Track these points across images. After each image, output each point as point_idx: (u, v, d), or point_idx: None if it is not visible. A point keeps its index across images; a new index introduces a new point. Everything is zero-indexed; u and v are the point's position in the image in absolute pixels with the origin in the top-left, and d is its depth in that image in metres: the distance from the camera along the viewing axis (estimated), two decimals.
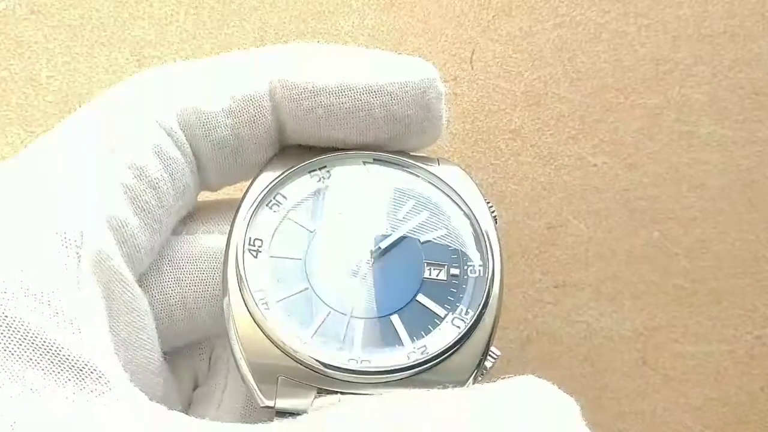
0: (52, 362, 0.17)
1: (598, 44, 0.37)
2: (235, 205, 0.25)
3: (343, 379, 0.21)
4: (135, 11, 0.36)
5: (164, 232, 0.23)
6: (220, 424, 0.18)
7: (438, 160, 0.25)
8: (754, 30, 0.37)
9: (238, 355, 0.21)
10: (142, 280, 0.23)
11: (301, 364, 0.21)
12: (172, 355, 0.25)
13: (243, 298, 0.21)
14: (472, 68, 0.36)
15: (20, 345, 0.17)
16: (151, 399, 0.20)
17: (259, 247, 0.23)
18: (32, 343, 0.17)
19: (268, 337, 0.21)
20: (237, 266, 0.22)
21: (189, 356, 0.26)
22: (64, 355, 0.18)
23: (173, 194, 0.22)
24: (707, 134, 0.37)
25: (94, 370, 0.18)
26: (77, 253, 0.19)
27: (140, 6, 0.36)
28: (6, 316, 0.17)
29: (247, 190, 0.23)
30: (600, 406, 0.36)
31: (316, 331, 0.22)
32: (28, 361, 0.17)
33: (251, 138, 0.23)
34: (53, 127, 0.22)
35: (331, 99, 0.23)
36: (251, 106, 0.23)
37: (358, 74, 0.23)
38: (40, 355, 0.17)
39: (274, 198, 0.23)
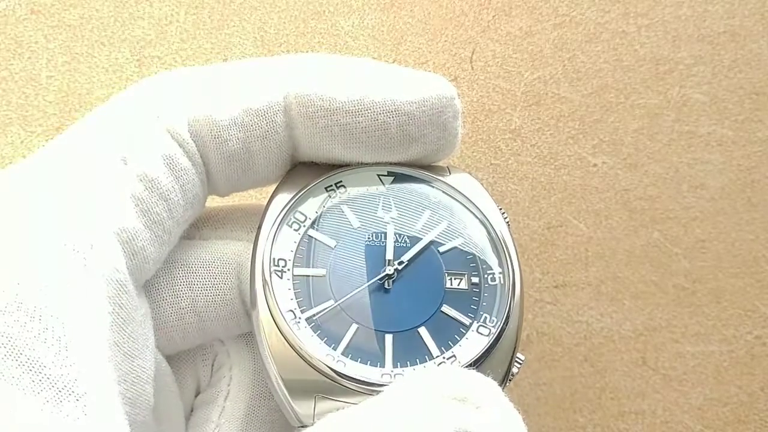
0: (33, 381, 0.17)
1: (598, 44, 0.37)
2: (248, 212, 0.25)
3: (378, 392, 0.20)
4: (135, 11, 0.36)
5: (173, 242, 0.23)
6: None
7: (449, 169, 0.25)
8: (754, 30, 0.37)
9: (274, 375, 0.21)
10: (152, 284, 0.23)
11: (337, 383, 0.21)
12: (175, 360, 0.25)
13: (274, 320, 0.22)
14: (472, 68, 0.36)
15: (4, 362, 0.17)
16: (144, 407, 0.20)
17: (283, 267, 0.23)
18: (17, 359, 0.17)
19: (302, 357, 0.21)
20: (265, 288, 0.22)
21: (192, 362, 0.26)
22: (45, 374, 0.17)
23: (183, 205, 0.22)
24: (707, 134, 0.37)
25: (74, 392, 0.18)
26: (84, 266, 0.19)
27: (140, 6, 0.36)
28: None
29: (266, 210, 0.24)
30: (600, 406, 0.36)
31: (347, 347, 0.22)
32: (10, 378, 0.17)
33: (262, 152, 0.23)
34: (55, 127, 0.22)
35: (347, 118, 0.23)
36: (264, 121, 0.23)
37: (375, 92, 0.23)
38: (23, 372, 0.17)
39: (293, 216, 0.24)
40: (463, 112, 0.36)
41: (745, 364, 0.36)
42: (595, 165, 0.36)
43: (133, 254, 0.21)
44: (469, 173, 0.25)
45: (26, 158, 0.21)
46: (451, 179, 0.25)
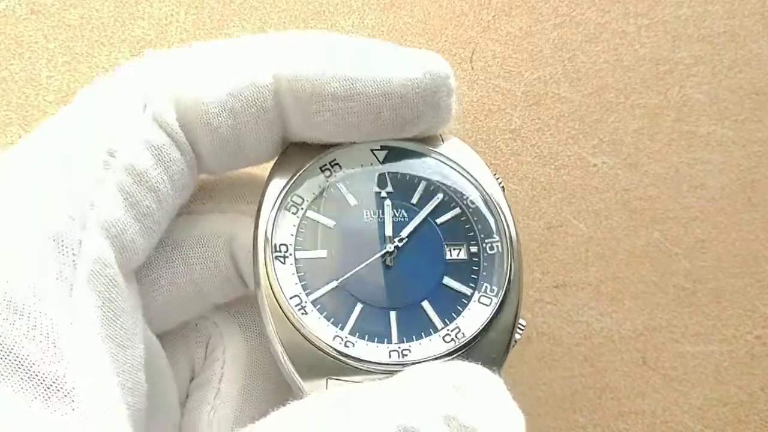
0: (22, 378, 0.17)
1: (598, 44, 0.37)
2: (234, 183, 0.25)
3: (387, 371, 0.22)
4: (135, 11, 0.36)
5: (163, 229, 0.23)
6: None
7: (441, 137, 0.25)
8: (754, 30, 0.37)
9: (285, 361, 0.22)
10: (146, 263, 0.23)
11: (347, 365, 0.22)
12: (169, 342, 0.25)
13: (281, 308, 0.22)
14: (472, 68, 0.36)
15: None
16: (141, 395, 0.20)
17: (285, 252, 0.23)
18: (5, 357, 0.17)
19: (311, 342, 0.22)
20: (269, 276, 0.22)
21: (185, 344, 0.26)
22: (34, 372, 0.17)
23: (173, 194, 0.22)
24: (707, 134, 0.37)
25: (62, 388, 0.18)
26: (73, 261, 0.19)
27: (140, 6, 0.36)
28: None
29: (262, 195, 0.23)
30: (600, 406, 0.36)
31: (353, 326, 0.22)
32: None
33: (253, 136, 0.23)
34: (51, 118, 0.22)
35: (339, 104, 0.22)
36: (254, 106, 0.22)
37: (367, 74, 0.22)
38: (12, 370, 0.17)
39: (291, 200, 0.24)
40: (463, 112, 0.36)
41: (745, 364, 0.36)
42: (595, 165, 0.36)
43: (122, 248, 0.21)
44: (459, 138, 0.25)
45: (10, 149, 0.20)
46: (444, 147, 0.25)
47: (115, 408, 0.19)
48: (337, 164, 0.24)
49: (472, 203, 0.24)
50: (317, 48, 0.23)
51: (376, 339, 0.22)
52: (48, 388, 0.18)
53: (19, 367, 0.17)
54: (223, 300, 0.26)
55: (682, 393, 0.36)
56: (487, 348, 0.23)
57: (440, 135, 0.25)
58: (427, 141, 0.25)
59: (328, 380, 0.22)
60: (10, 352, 0.17)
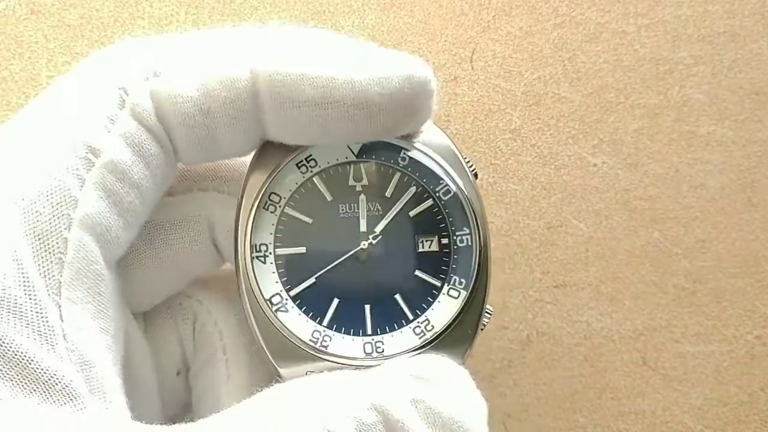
0: (20, 374, 0.18)
1: (598, 44, 0.37)
2: (207, 166, 0.26)
3: (362, 366, 0.23)
4: (135, 11, 0.36)
5: (144, 219, 0.23)
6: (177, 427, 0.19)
7: None
8: (754, 30, 0.37)
9: (268, 357, 0.23)
10: (130, 247, 0.23)
11: (324, 361, 0.23)
12: (155, 322, 0.26)
13: (261, 309, 0.23)
14: (472, 68, 0.36)
15: None
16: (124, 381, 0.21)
17: (265, 251, 0.24)
18: (4, 355, 0.18)
19: (290, 341, 0.23)
20: (248, 278, 0.23)
21: (172, 321, 0.27)
22: (32, 368, 0.18)
23: (154, 188, 0.22)
24: (707, 134, 0.37)
25: (60, 381, 0.18)
26: (60, 259, 0.19)
27: (140, 6, 0.36)
28: None
29: (241, 195, 0.24)
30: (600, 406, 0.36)
31: (331, 320, 0.24)
32: None
33: (228, 134, 0.23)
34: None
35: (317, 111, 0.22)
36: (231, 107, 0.22)
37: (345, 82, 0.22)
38: (10, 366, 0.18)
39: (268, 198, 0.24)
40: (463, 112, 0.36)
41: (745, 364, 0.36)
42: (595, 165, 0.36)
43: (106, 243, 0.21)
44: (434, 124, 0.25)
45: None
46: (418, 136, 0.25)
47: (116, 398, 0.20)
48: (313, 159, 0.25)
49: (445, 195, 0.25)
50: (296, 47, 0.23)
51: (351, 332, 0.24)
52: (47, 382, 0.18)
53: (17, 364, 0.18)
54: (205, 273, 0.26)
55: (682, 393, 0.36)
56: (456, 336, 0.24)
57: None
58: None
59: (308, 375, 0.23)
60: (8, 349, 0.18)
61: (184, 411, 0.27)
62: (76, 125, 0.21)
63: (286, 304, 0.24)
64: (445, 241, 0.25)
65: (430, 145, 0.25)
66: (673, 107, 0.37)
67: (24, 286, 0.18)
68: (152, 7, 0.37)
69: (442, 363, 0.22)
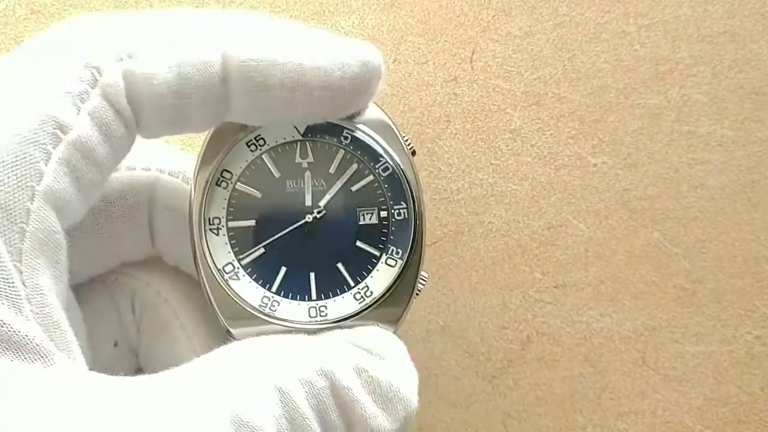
0: None
1: (598, 44, 0.37)
2: (154, 142, 0.27)
3: (307, 328, 0.26)
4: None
5: (98, 196, 0.24)
6: (140, 378, 0.21)
7: None
8: (754, 30, 0.37)
9: (221, 320, 0.26)
10: None
11: (273, 324, 0.26)
12: (91, 292, 0.28)
13: (215, 276, 0.26)
14: (472, 68, 0.36)
15: None
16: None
17: (218, 224, 0.26)
18: None
19: (241, 305, 0.26)
20: (202, 249, 0.26)
21: (108, 295, 0.28)
22: (3, 330, 0.19)
23: (113, 165, 0.23)
24: (707, 134, 0.37)
25: (31, 341, 0.19)
26: (22, 229, 0.20)
27: (140, 6, 0.36)
28: None
29: (196, 174, 0.26)
30: (600, 406, 0.36)
31: (278, 286, 0.26)
32: None
33: (195, 115, 0.24)
34: None
35: (284, 93, 0.24)
36: (202, 90, 0.23)
37: (312, 67, 0.24)
38: None
39: (221, 175, 0.26)
40: (463, 112, 0.36)
41: (745, 364, 0.36)
42: (595, 165, 0.36)
43: (65, 216, 0.22)
44: (374, 103, 0.27)
45: None
46: (360, 116, 0.27)
47: (78, 356, 0.21)
48: (262, 138, 0.27)
49: (384, 171, 0.27)
50: (262, 33, 0.24)
51: (298, 297, 0.26)
52: (17, 344, 0.19)
53: None
54: (137, 258, 0.28)
55: (682, 393, 0.36)
56: (393, 301, 0.26)
57: None
58: None
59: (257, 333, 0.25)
60: None
61: None
62: (47, 99, 0.21)
63: (238, 272, 0.26)
64: (384, 214, 0.27)
65: (371, 123, 0.27)
66: (673, 107, 0.37)
67: None
68: (152, 7, 0.37)
69: (383, 335, 0.25)
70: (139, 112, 0.23)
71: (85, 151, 0.22)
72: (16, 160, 0.20)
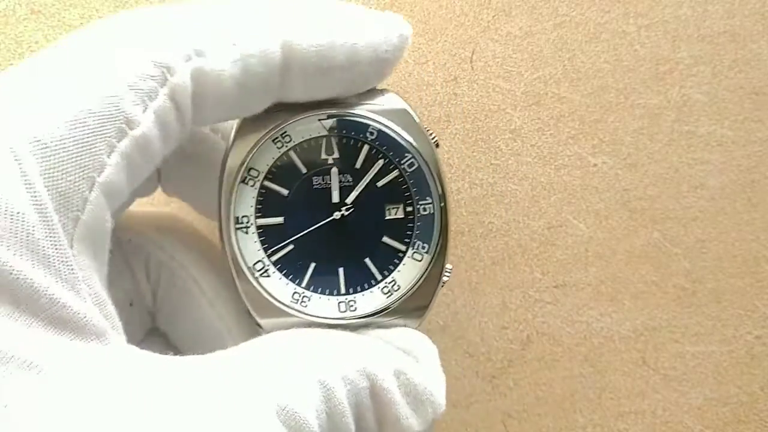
0: (54, 318, 0.20)
1: (598, 44, 0.37)
2: None
3: (337, 324, 0.26)
4: None
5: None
6: (190, 358, 0.22)
7: (383, 91, 0.27)
8: (754, 30, 0.37)
9: (254, 316, 0.26)
10: None
11: (303, 320, 0.26)
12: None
13: (246, 274, 0.26)
14: (472, 68, 0.36)
15: (25, 302, 0.19)
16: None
17: (246, 223, 0.27)
18: (37, 301, 0.19)
19: (272, 301, 0.26)
20: (232, 247, 0.26)
21: (122, 255, 0.29)
22: (66, 312, 0.20)
23: (161, 158, 0.24)
24: (707, 134, 0.37)
25: (89, 321, 0.20)
26: (77, 217, 0.21)
27: (140, 6, 0.36)
28: (11, 274, 0.19)
29: (222, 172, 0.26)
30: (600, 406, 0.36)
31: (308, 281, 0.27)
32: (33, 315, 0.19)
33: (253, 104, 0.25)
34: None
35: (343, 74, 0.25)
36: (262, 82, 0.24)
37: (364, 44, 0.24)
38: (47, 313, 0.20)
39: (248, 173, 0.26)
40: (463, 112, 0.36)
41: (745, 364, 0.36)
42: (595, 165, 0.36)
43: (115, 204, 0.22)
44: (396, 94, 0.27)
45: (15, 93, 0.21)
46: (384, 103, 0.27)
47: (122, 334, 0.22)
48: (288, 135, 0.27)
49: (409, 167, 0.27)
50: (316, 11, 0.25)
51: (327, 291, 0.27)
52: (77, 324, 0.20)
53: (49, 310, 0.20)
54: (138, 196, 0.29)
55: (682, 393, 0.36)
56: (419, 295, 0.27)
57: (382, 91, 0.27)
58: (370, 96, 0.27)
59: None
60: (43, 295, 0.19)
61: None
62: (117, 94, 0.21)
63: (268, 269, 0.27)
64: (409, 209, 0.27)
65: (395, 116, 0.27)
66: (673, 107, 0.37)
67: (52, 239, 0.20)
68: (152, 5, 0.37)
69: (418, 337, 0.26)
70: (201, 108, 0.23)
71: (144, 147, 0.22)
72: (81, 151, 0.21)
